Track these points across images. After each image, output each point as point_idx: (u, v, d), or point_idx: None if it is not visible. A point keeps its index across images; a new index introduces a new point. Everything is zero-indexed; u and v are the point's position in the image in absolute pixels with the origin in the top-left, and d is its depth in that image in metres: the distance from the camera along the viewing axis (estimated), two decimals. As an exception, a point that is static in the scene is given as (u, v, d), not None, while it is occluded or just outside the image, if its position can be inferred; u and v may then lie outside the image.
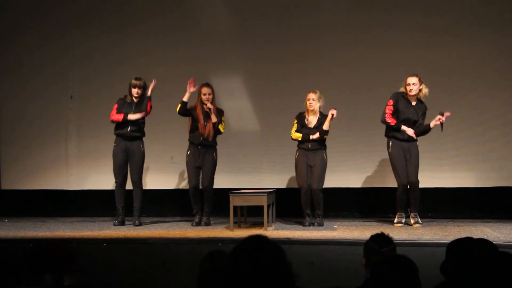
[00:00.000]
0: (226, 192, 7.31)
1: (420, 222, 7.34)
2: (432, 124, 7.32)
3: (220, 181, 7.90)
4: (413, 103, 7.39)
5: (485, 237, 5.98)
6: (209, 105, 7.48)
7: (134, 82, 7.62)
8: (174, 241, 6.41)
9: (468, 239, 3.38)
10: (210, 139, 7.52)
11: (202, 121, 7.49)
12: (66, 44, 9.21)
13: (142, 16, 9.11)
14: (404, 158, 7.36)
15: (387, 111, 7.38)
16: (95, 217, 8.46)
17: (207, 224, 7.51)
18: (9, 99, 9.42)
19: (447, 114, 7.29)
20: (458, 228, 7.10)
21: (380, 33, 8.57)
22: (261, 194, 7.15)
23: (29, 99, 9.31)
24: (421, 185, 8.09)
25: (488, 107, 8.40)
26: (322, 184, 7.35)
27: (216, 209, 7.98)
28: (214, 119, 7.48)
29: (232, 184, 8.24)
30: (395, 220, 7.43)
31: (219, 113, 7.62)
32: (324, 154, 7.38)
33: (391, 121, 7.35)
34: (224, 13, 9.05)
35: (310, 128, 7.37)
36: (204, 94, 7.53)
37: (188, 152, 7.61)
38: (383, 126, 7.47)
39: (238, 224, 7.40)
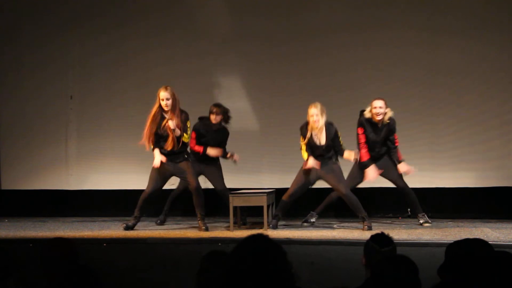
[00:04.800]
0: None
1: (429, 221, 7.35)
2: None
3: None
4: (379, 126, 7.27)
5: (485, 237, 6.00)
6: (176, 131, 7.00)
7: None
8: (174, 241, 6.42)
9: (466, 241, 3.38)
10: (175, 149, 7.07)
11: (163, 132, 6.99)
12: (65, 44, 9.21)
13: (141, 15, 9.11)
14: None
15: (361, 142, 7.25)
16: (95, 217, 8.46)
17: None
18: (9, 99, 9.41)
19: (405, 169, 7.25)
20: (458, 228, 7.10)
21: (380, 33, 8.56)
22: (261, 194, 7.15)
23: (29, 99, 9.31)
24: (421, 185, 8.11)
25: (488, 106, 8.39)
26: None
27: (216, 209, 7.99)
28: (178, 132, 6.99)
29: (232, 184, 8.22)
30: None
31: (184, 120, 7.05)
32: (333, 162, 7.22)
33: (363, 156, 7.22)
34: (223, 12, 9.04)
35: (321, 145, 7.06)
36: (163, 100, 6.95)
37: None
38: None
39: (238, 225, 7.40)
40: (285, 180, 8.62)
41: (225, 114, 7.56)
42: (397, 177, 7.36)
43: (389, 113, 7.27)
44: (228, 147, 7.81)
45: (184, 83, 8.35)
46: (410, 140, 8.27)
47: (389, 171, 7.36)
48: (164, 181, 7.22)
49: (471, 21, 8.42)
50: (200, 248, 5.68)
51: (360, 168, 7.25)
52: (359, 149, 7.25)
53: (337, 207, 8.34)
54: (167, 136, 6.99)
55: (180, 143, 7.02)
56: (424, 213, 7.43)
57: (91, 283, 2.90)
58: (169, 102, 6.91)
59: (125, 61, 9.05)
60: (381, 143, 7.31)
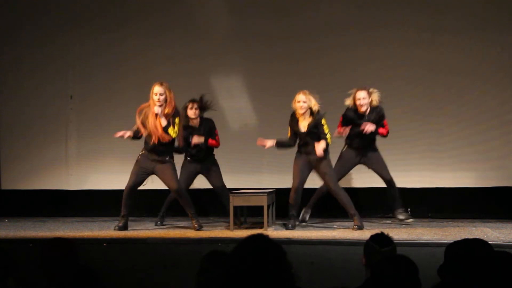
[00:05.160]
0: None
1: (409, 218, 7.36)
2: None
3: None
4: (365, 114, 7.26)
5: (485, 237, 6.00)
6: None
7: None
8: (174, 241, 6.42)
9: (465, 241, 3.38)
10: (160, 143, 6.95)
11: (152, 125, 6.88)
12: (65, 44, 9.21)
13: (141, 15, 9.11)
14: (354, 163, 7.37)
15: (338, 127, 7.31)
16: (95, 217, 8.46)
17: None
18: (8, 99, 9.41)
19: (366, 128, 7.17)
20: (458, 228, 7.10)
21: (380, 33, 8.56)
22: (261, 194, 7.15)
23: (29, 99, 9.31)
24: (421, 185, 8.11)
25: (488, 106, 8.39)
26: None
27: (216, 209, 7.99)
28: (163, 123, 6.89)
29: (232, 184, 8.22)
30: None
31: (174, 115, 6.93)
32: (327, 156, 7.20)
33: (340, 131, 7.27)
34: (223, 12, 9.04)
35: (303, 132, 7.06)
36: (156, 94, 6.88)
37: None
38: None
39: (238, 225, 7.40)
40: (285, 180, 8.61)
41: (201, 103, 7.53)
42: (383, 169, 7.34)
43: (375, 99, 7.23)
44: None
45: (184, 83, 8.34)
46: (410, 140, 8.28)
47: (375, 162, 7.36)
48: (145, 176, 7.13)
49: (471, 21, 8.42)
50: (200, 248, 5.68)
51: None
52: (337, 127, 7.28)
53: (337, 207, 8.34)
54: (155, 132, 6.88)
55: (165, 138, 6.88)
56: (404, 209, 7.39)
57: (91, 283, 2.90)
58: (162, 97, 6.86)
59: (125, 61, 9.06)
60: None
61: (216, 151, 7.73)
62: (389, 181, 7.35)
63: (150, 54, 9.01)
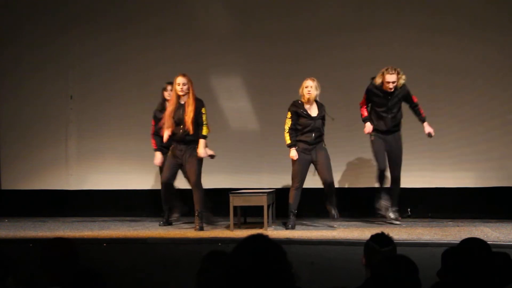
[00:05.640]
0: (226, 192, 7.31)
1: (398, 219, 7.36)
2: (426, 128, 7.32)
3: (220, 181, 7.90)
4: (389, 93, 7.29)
5: (485, 237, 6.00)
6: (209, 152, 7.30)
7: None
8: (174, 241, 6.42)
9: (461, 244, 3.37)
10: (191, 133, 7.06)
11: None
12: (65, 44, 9.21)
13: (141, 15, 9.11)
14: (383, 148, 7.35)
15: (361, 104, 7.39)
16: (95, 217, 8.46)
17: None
18: (8, 99, 9.42)
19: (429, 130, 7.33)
20: (458, 228, 7.09)
21: (380, 33, 8.56)
22: (261, 194, 7.15)
23: (29, 99, 9.31)
24: (421, 185, 8.11)
25: (488, 106, 8.39)
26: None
27: (216, 209, 7.97)
28: (204, 154, 7.10)
29: (232, 184, 8.23)
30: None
31: (197, 103, 7.06)
32: (323, 146, 7.29)
33: (362, 113, 7.37)
34: (223, 12, 9.05)
35: (313, 117, 7.18)
36: (178, 84, 7.04)
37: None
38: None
39: (238, 225, 7.40)
40: (285, 180, 8.63)
41: None
42: (397, 162, 7.31)
43: (401, 81, 7.23)
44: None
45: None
46: (410, 140, 8.25)
47: (394, 151, 7.34)
48: (178, 168, 7.20)
49: (471, 21, 8.42)
50: (200, 248, 5.68)
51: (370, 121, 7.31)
52: (360, 110, 7.35)
53: (337, 207, 8.35)
54: (181, 122, 7.02)
55: (192, 131, 7.00)
56: (397, 208, 7.40)
57: (92, 283, 2.90)
58: (185, 87, 7.01)
59: (125, 61, 9.05)
60: (390, 110, 7.25)
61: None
62: (396, 178, 7.33)
63: (150, 54, 9.01)
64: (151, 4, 9.12)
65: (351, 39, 8.63)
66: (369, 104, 7.40)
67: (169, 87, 7.60)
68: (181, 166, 7.17)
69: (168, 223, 7.71)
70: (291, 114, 7.18)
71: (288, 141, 7.15)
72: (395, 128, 7.38)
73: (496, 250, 3.26)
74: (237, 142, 8.68)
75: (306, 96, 7.16)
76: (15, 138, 9.37)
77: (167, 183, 7.16)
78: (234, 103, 8.86)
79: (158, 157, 7.64)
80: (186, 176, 7.39)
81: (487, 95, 8.39)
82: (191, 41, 8.96)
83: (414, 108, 7.41)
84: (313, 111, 7.21)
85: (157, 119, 7.57)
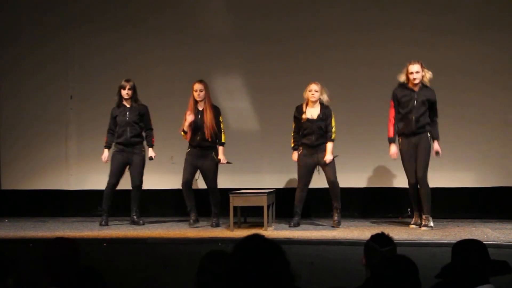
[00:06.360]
0: (226, 192, 7.31)
1: (429, 225, 6.97)
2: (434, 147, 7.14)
3: (220, 181, 7.88)
4: (416, 90, 7.12)
5: (485, 237, 6.00)
6: (222, 159, 7.50)
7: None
8: (174, 241, 6.42)
9: (466, 241, 3.38)
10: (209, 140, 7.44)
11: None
12: (65, 44, 9.22)
13: (141, 16, 9.11)
14: (413, 154, 7.08)
15: (390, 117, 7.20)
16: (95, 217, 8.45)
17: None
18: (9, 98, 9.42)
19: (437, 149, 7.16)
20: (458, 228, 7.09)
21: (380, 32, 8.56)
22: (261, 194, 7.15)
23: (29, 99, 9.31)
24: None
25: (488, 106, 8.39)
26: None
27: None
28: (224, 160, 7.50)
29: (232, 184, 8.23)
30: (411, 222, 7.31)
31: (215, 111, 7.50)
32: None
33: (389, 130, 7.19)
34: (223, 12, 9.05)
35: (313, 120, 7.26)
36: (196, 91, 7.44)
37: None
38: (384, 125, 7.41)
39: (238, 224, 7.40)
40: (285, 180, 8.64)
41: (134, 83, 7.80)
42: (423, 165, 7.04)
43: (428, 74, 7.10)
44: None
45: (184, 83, 8.33)
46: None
47: (420, 152, 7.07)
48: (195, 171, 7.49)
49: (471, 21, 8.42)
50: (200, 248, 5.67)
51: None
52: (388, 123, 7.20)
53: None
54: (199, 129, 7.35)
55: (210, 137, 7.36)
56: (428, 215, 7.03)
57: (93, 283, 2.90)
58: (202, 93, 7.40)
59: (125, 61, 9.05)
60: (416, 110, 7.05)
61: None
62: (419, 180, 7.02)
63: (150, 55, 9.01)
64: (151, 4, 9.12)
65: (351, 38, 8.63)
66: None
67: (127, 86, 7.71)
68: (197, 169, 7.48)
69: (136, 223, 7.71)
70: (293, 118, 7.42)
71: (291, 144, 7.44)
72: (420, 130, 7.08)
73: (496, 250, 3.26)
74: (237, 142, 8.67)
75: (310, 99, 7.28)
76: (15, 138, 9.37)
77: (188, 183, 7.43)
78: (234, 103, 8.85)
79: (105, 154, 7.79)
80: (207, 179, 7.57)
81: (487, 95, 8.39)
82: (191, 41, 8.96)
83: (432, 120, 7.15)
84: (314, 114, 7.27)
85: (113, 116, 7.76)
